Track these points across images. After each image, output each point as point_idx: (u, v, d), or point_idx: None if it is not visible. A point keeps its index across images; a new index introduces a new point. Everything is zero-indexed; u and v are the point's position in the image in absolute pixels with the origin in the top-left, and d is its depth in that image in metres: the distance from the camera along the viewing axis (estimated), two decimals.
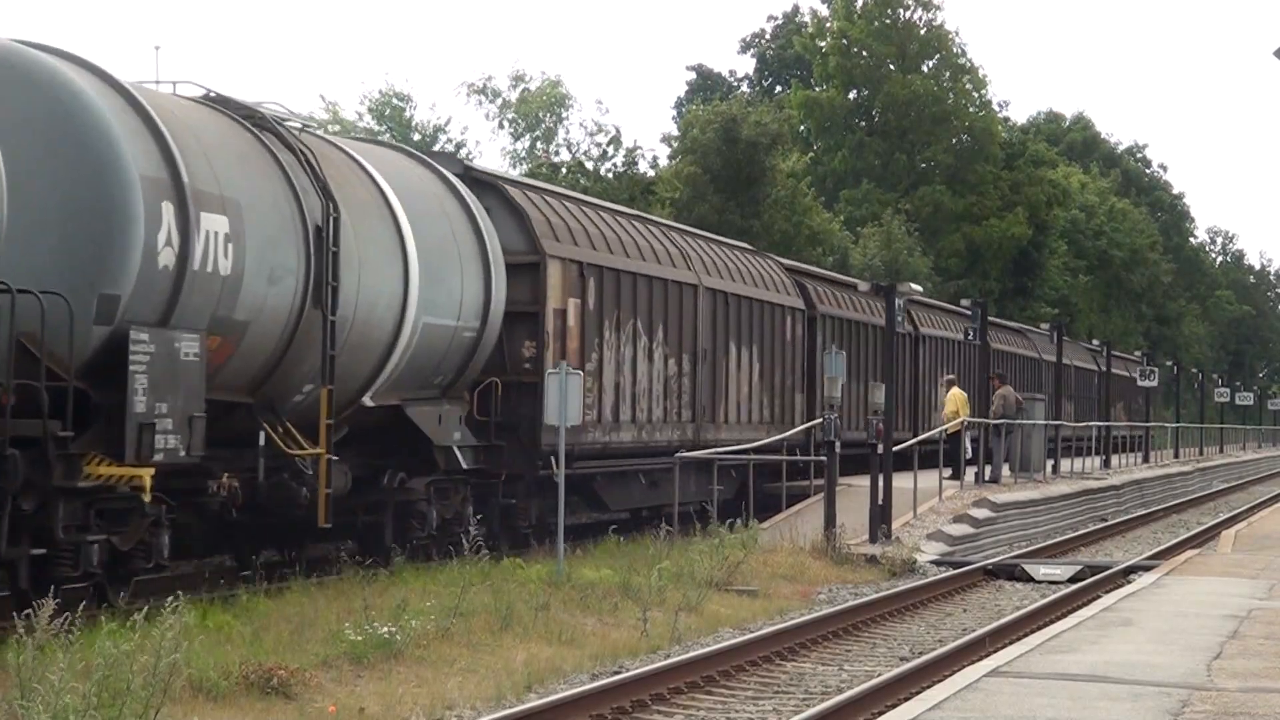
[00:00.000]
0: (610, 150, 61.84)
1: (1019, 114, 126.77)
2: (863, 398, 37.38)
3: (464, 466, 22.90)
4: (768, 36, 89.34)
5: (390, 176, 21.90)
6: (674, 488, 28.28)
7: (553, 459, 23.45)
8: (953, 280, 74.00)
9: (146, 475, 16.12)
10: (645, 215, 33.83)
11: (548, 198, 27.06)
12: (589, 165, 60.32)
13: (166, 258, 16.75)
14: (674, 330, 29.39)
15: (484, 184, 25.17)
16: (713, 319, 31.14)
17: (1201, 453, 73.10)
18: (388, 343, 21.03)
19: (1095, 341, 69.48)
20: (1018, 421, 37.18)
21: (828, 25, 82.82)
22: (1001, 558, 28.49)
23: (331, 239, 19.25)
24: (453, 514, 22.92)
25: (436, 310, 21.86)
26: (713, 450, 29.59)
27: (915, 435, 37.87)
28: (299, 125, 20.24)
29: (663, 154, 68.50)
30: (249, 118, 19.44)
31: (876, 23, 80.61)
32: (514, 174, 51.72)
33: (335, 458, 19.75)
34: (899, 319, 39.42)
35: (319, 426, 19.39)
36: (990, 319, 50.70)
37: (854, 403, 37.39)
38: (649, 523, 28.94)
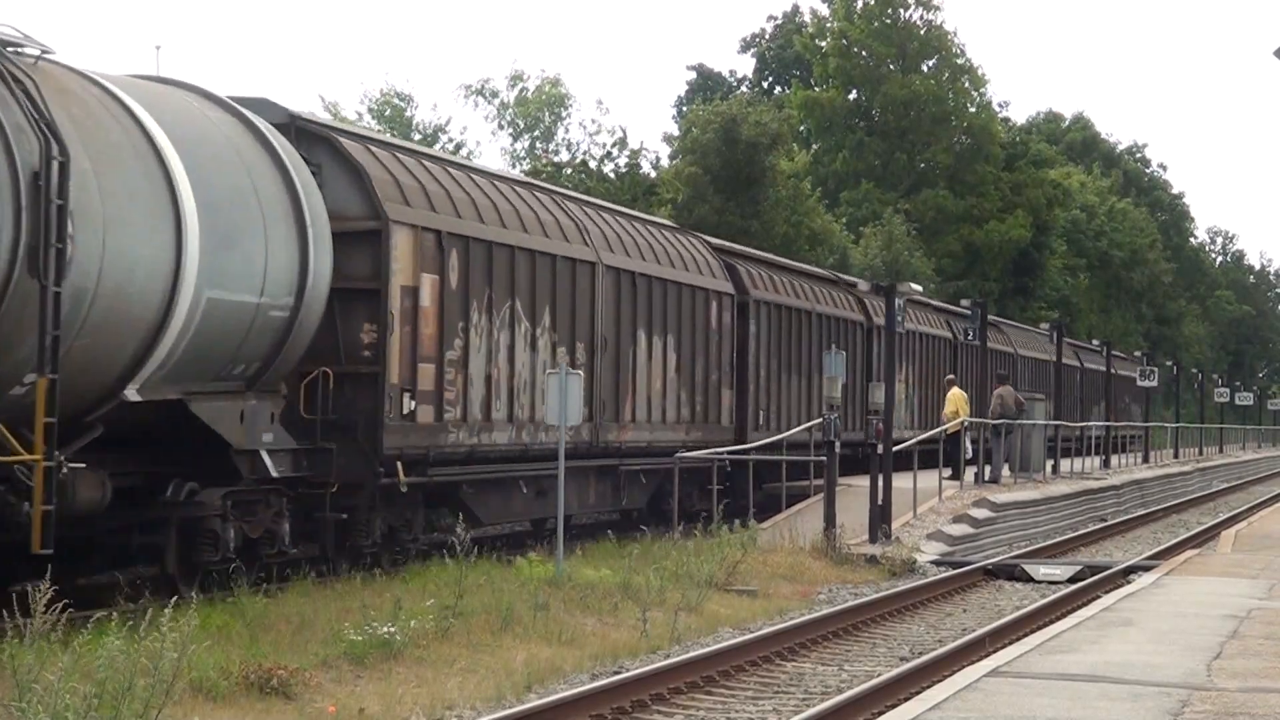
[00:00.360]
0: (615, 151, 61.89)
1: (1019, 114, 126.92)
2: (807, 394, 35.16)
3: (273, 474, 18.89)
4: (768, 36, 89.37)
5: (166, 119, 17.63)
6: (674, 490, 28.19)
7: (398, 464, 20.87)
8: (952, 281, 74.04)
9: None
10: (533, 181, 29.61)
11: (399, 155, 23.06)
12: (592, 165, 60.33)
13: None
14: (565, 314, 25.59)
15: (315, 137, 21.30)
16: (616, 302, 27.30)
17: (1201, 453, 73.12)
18: (154, 322, 16.84)
19: (1095, 341, 69.48)
20: (1017, 422, 37.16)
21: (828, 25, 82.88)
22: (1001, 558, 28.49)
23: (55, 189, 15.33)
24: (262, 532, 19.03)
25: (228, 283, 17.82)
26: (711, 451, 29.48)
27: (869, 436, 35.41)
28: (36, 52, 16.27)
29: (663, 154, 68.62)
30: None
31: (876, 23, 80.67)
32: (507, 170, 51.68)
33: (81, 465, 16.14)
34: (852, 306, 37.83)
35: (52, 425, 15.48)
36: (959, 310, 50.03)
37: (797, 399, 34.97)
38: (538, 537, 26.19)
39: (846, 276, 42.77)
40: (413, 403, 21.37)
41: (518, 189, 26.06)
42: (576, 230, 26.59)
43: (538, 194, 26.76)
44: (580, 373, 22.82)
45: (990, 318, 51.89)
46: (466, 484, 23.27)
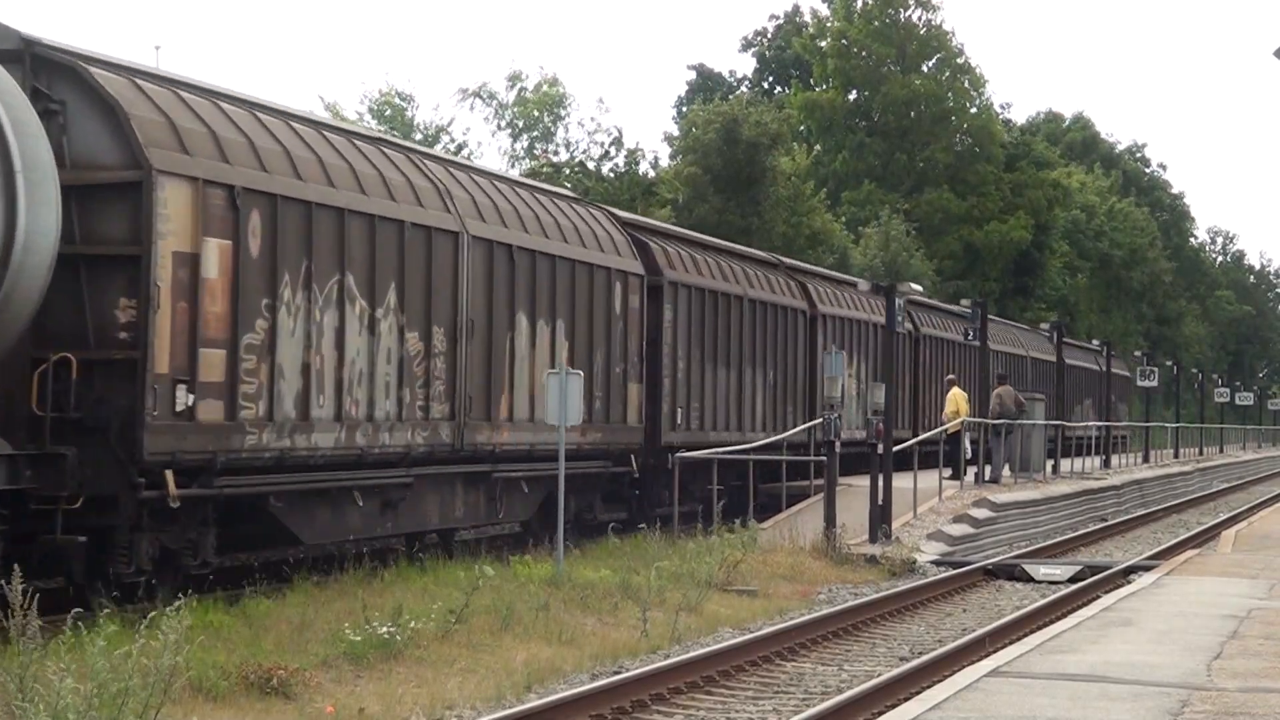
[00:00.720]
0: (612, 151, 61.89)
1: (1019, 115, 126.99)
2: (738, 390, 31.85)
3: None
4: (769, 35, 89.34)
5: None
6: (673, 491, 28.08)
7: (168, 473, 16.92)
8: (952, 280, 74.07)
9: None
10: (383, 136, 25.01)
11: (183, 92, 18.65)
12: (590, 165, 60.31)
13: None
14: (417, 293, 21.54)
15: (58, 67, 17.18)
16: (487, 280, 23.29)
17: (1201, 453, 73.14)
18: None
19: (1095, 341, 69.42)
20: (1017, 422, 37.15)
21: (828, 25, 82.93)
22: (1001, 558, 28.50)
23: None
24: None
25: None
26: (711, 450, 29.39)
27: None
28: None
29: (663, 154, 68.65)
30: None
31: (876, 22, 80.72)
32: (513, 176, 51.52)
33: None
34: (794, 292, 34.53)
35: None
36: (923, 301, 48.71)
37: (725, 396, 31.42)
38: (381, 556, 21.76)
39: (786, 259, 39.17)
40: (190, 397, 17.36)
41: (358, 143, 21.81)
42: (436, 194, 22.50)
43: (386, 150, 22.61)
44: (580, 374, 22.23)
45: (957, 308, 50.20)
46: (276, 496, 19.05)
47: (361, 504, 20.59)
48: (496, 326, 23.54)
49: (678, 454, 28.18)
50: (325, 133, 21.17)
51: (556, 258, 25.33)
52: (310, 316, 19.29)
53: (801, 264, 40.43)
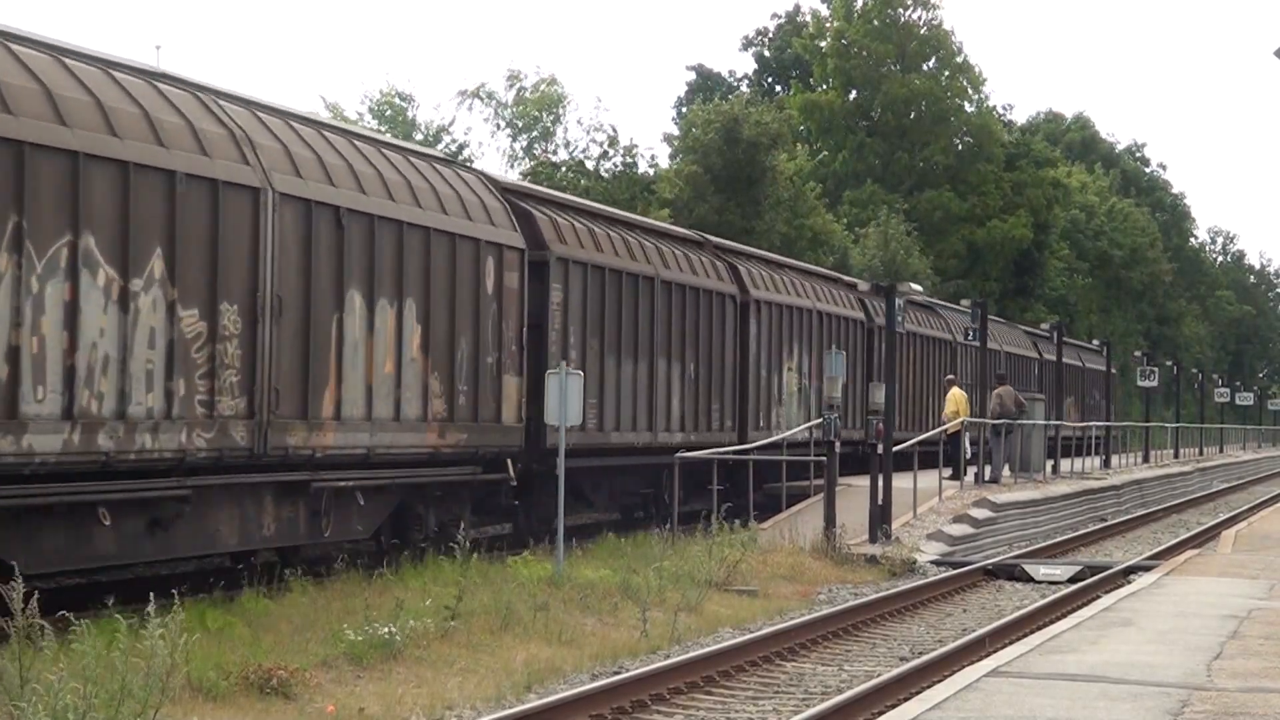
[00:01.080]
0: (610, 150, 61.92)
1: (1019, 115, 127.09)
2: (648, 385, 28.29)
3: None
4: (769, 35, 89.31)
5: None
6: (673, 486, 28.04)
7: None
8: (952, 280, 74.08)
9: None
10: (166, 71, 18.91)
11: None
12: (589, 165, 60.32)
13: None
14: (198, 262, 17.29)
15: None
16: (305, 249, 19.04)
17: (1201, 453, 73.14)
18: None
19: (1095, 341, 69.35)
20: (1017, 422, 37.12)
21: (828, 25, 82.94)
22: (1001, 558, 28.50)
23: None
24: None
25: None
26: (711, 451, 29.34)
27: (744, 438, 31.61)
28: None
29: (663, 154, 68.67)
30: None
31: (876, 22, 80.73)
32: (512, 176, 51.44)
33: None
34: (722, 275, 31.54)
35: None
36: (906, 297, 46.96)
37: (631, 392, 27.76)
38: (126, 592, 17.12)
39: (714, 238, 35.19)
40: None
41: (119, 75, 17.32)
42: (231, 142, 18.24)
43: (163, 86, 17.98)
44: (581, 373, 21.99)
45: (931, 301, 48.95)
46: None
47: (111, 523, 16.27)
48: (318, 305, 19.29)
49: (677, 454, 28.10)
50: (67, 60, 16.62)
51: (405, 224, 21.11)
52: (23, 287, 15.02)
53: (732, 244, 36.43)
